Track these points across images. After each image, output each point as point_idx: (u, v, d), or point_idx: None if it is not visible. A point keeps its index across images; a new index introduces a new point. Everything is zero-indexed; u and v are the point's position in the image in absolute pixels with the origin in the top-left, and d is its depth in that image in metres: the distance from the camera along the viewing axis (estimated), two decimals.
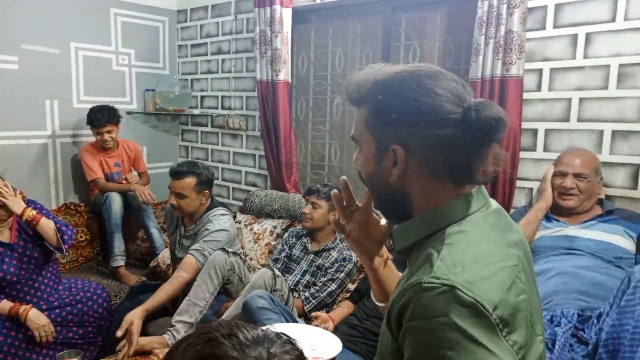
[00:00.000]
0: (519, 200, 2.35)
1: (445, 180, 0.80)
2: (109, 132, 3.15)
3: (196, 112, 3.84)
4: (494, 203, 0.86)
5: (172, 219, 2.55)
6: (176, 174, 2.31)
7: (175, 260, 2.49)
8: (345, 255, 2.40)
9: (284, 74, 3.09)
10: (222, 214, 2.38)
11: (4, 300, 2.13)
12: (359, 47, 3.03)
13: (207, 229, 2.31)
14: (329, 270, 2.38)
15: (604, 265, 1.85)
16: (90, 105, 3.27)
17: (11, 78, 3.07)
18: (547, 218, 2.08)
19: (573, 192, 2.00)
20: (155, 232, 3.18)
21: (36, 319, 2.11)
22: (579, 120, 2.14)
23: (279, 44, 3.04)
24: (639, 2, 1.96)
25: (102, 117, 3.10)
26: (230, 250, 2.27)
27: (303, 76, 3.33)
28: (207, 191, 2.38)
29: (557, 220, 2.07)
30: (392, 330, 0.76)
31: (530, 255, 0.87)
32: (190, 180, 2.30)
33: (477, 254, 0.74)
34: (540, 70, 2.23)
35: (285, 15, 3.05)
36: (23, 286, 2.21)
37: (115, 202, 3.05)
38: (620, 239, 1.91)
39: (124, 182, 3.26)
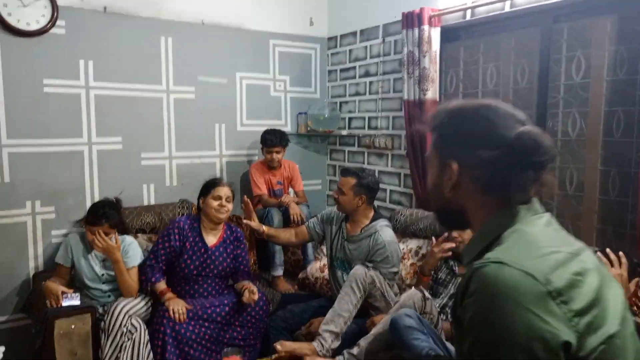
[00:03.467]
0: None
1: (492, 196, 0.90)
2: (277, 152, 3.48)
3: (344, 132, 4.00)
4: (547, 214, 0.92)
5: (335, 222, 2.72)
6: (343, 171, 2.65)
7: (334, 264, 2.67)
8: None
9: (432, 93, 3.07)
10: (387, 225, 2.59)
11: (163, 282, 2.58)
12: (513, 61, 2.89)
13: (380, 249, 2.48)
14: None
15: None
16: (251, 129, 3.64)
17: (189, 106, 3.54)
18: None
19: None
20: (309, 245, 3.38)
21: (175, 303, 2.47)
22: None
23: (427, 63, 3.04)
24: None
25: (274, 139, 3.46)
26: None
27: (452, 94, 3.27)
28: (364, 195, 2.53)
29: None
30: (457, 319, 0.84)
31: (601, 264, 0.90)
32: (351, 180, 2.54)
33: (529, 242, 0.83)
34: None
35: (434, 35, 3.05)
36: (196, 283, 2.59)
37: (276, 216, 3.31)
38: None
39: (284, 198, 3.51)
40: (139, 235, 3.15)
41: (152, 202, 3.45)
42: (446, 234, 2.42)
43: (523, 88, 2.84)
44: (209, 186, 2.68)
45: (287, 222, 3.35)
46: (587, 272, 0.80)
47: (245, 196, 2.86)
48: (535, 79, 2.74)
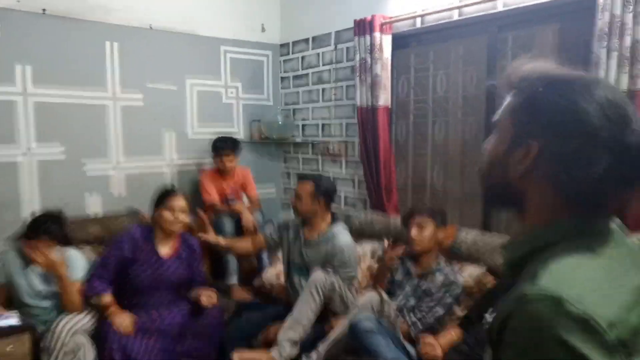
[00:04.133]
0: None
1: (567, 198, 0.71)
2: (229, 159, 3.42)
3: (298, 139, 3.98)
4: (623, 236, 0.74)
5: (292, 226, 2.69)
6: (301, 177, 2.68)
7: (292, 270, 2.63)
8: (452, 279, 2.31)
9: (384, 99, 3.12)
10: (344, 229, 2.59)
11: (108, 294, 2.44)
12: (461, 69, 2.98)
13: (338, 254, 2.46)
14: (435, 295, 2.30)
15: None
16: (203, 136, 3.56)
17: (137, 113, 3.42)
18: None
19: None
20: (264, 255, 3.33)
21: (118, 316, 2.37)
22: None
23: (379, 70, 3.08)
24: None
25: (225, 145, 3.42)
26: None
27: (403, 100, 3.33)
28: (322, 200, 2.53)
29: None
30: (493, 347, 0.70)
31: None
32: (308, 186, 2.53)
33: (592, 271, 0.66)
34: None
35: (385, 42, 3.10)
36: (148, 295, 2.47)
37: (228, 225, 3.23)
38: None
39: (236, 206, 3.45)
40: (84, 247, 2.98)
41: (98, 212, 3.29)
42: (390, 242, 2.46)
43: (472, 95, 2.93)
44: (163, 197, 2.58)
45: (239, 230, 3.28)
46: None
47: (199, 210, 2.77)
48: (483, 86, 2.84)
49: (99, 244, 3.06)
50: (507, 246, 0.80)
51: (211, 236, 2.66)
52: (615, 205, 0.71)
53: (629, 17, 2.00)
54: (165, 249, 2.58)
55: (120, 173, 3.39)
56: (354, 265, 2.49)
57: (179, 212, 2.54)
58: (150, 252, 2.54)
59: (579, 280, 0.64)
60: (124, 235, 2.55)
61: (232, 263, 3.27)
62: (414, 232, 2.38)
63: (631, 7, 1.99)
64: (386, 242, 2.55)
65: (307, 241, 2.59)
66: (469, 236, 2.59)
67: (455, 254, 2.57)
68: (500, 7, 2.62)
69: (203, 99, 3.72)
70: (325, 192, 2.55)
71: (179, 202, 2.56)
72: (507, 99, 0.79)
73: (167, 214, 2.52)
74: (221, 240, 2.69)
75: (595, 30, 2.10)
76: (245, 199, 3.63)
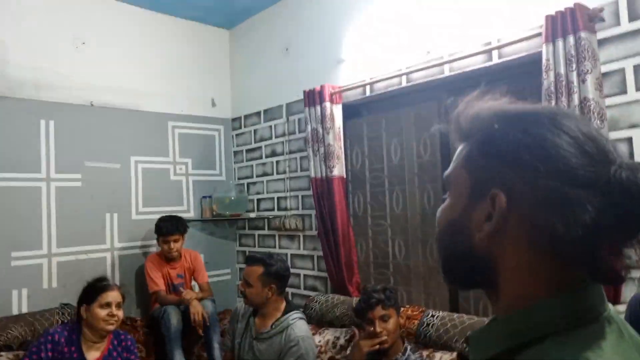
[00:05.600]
0: (628, 292, 1.92)
1: (548, 256, 0.54)
2: (175, 240, 3.14)
3: (253, 215, 3.75)
4: (610, 306, 0.57)
5: (242, 318, 2.38)
6: (248, 259, 2.35)
7: None
8: None
9: (339, 170, 2.97)
10: (300, 318, 2.28)
11: None
12: (415, 135, 2.88)
13: (294, 347, 2.15)
14: None
15: None
16: (148, 217, 3.29)
17: (74, 195, 3.15)
18: None
19: None
20: (217, 346, 2.97)
21: None
22: None
23: (331, 140, 2.96)
24: None
25: (170, 226, 3.12)
26: None
27: (358, 170, 3.18)
28: (273, 285, 2.23)
29: None
30: None
31: None
32: (257, 269, 2.24)
33: None
34: (629, 139, 1.93)
35: (336, 112, 3.00)
36: None
37: (174, 317, 2.90)
38: None
39: (184, 294, 3.09)
40: (3, 354, 2.58)
41: (24, 309, 2.91)
42: (371, 329, 2.12)
43: (427, 161, 2.80)
44: (94, 291, 2.26)
45: (187, 322, 2.94)
46: None
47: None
48: (438, 152, 2.73)
49: (22, 348, 2.67)
50: (474, 342, 0.60)
51: None
52: (605, 264, 0.52)
53: (574, 76, 1.93)
54: (93, 353, 2.23)
55: (52, 262, 3.05)
56: (311, 358, 2.19)
57: (114, 308, 2.22)
58: (76, 357, 2.18)
59: None
60: (44, 339, 2.20)
61: (179, 358, 2.89)
62: (379, 326, 2.06)
63: (574, 66, 1.93)
64: (355, 331, 2.25)
65: (259, 333, 2.28)
66: (437, 318, 2.33)
67: (423, 339, 2.31)
68: (447, 72, 2.56)
69: (149, 177, 3.50)
70: (277, 275, 2.27)
71: (114, 295, 2.25)
72: (459, 149, 0.65)
73: (99, 312, 2.20)
74: None
75: (542, 89, 2.03)
76: (195, 285, 3.31)
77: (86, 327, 2.23)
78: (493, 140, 0.59)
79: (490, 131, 0.59)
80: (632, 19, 1.92)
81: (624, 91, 1.95)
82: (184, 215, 3.60)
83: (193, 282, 3.33)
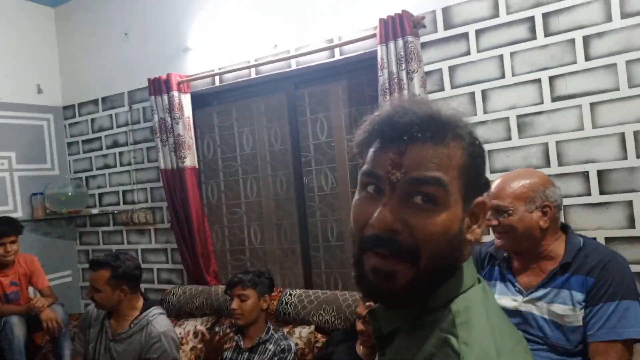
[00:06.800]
0: None
1: None
2: (12, 242, 2.79)
3: (94, 211, 3.48)
4: None
5: (95, 322, 2.23)
6: (92, 264, 2.17)
7: None
8: (283, 346, 2.18)
9: (190, 160, 2.93)
10: (161, 313, 2.22)
11: None
12: (265, 124, 2.98)
13: (156, 343, 2.08)
14: None
15: None
16: None
17: None
18: (506, 280, 1.55)
19: (497, 230, 1.51)
20: (68, 353, 2.72)
21: None
22: (491, 171, 2.22)
23: (181, 130, 2.90)
24: (522, 59, 2.13)
25: (4, 228, 2.75)
26: None
27: (211, 160, 3.19)
28: (124, 286, 2.13)
29: (514, 285, 1.53)
30: None
31: None
32: (104, 273, 2.10)
33: (496, 334, 0.59)
34: None
35: (185, 101, 2.95)
36: None
37: (18, 327, 2.60)
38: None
39: (35, 302, 2.75)
40: None
41: None
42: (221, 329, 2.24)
43: (278, 150, 2.94)
44: None
45: (36, 330, 2.66)
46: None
47: None
48: (288, 140, 2.88)
49: None
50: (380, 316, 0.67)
51: None
52: None
53: (404, 74, 2.22)
54: None
55: None
56: (175, 354, 2.17)
57: None
58: None
59: (496, 349, 0.57)
60: None
61: None
62: (235, 304, 2.20)
63: (403, 66, 2.23)
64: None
65: (117, 335, 2.18)
66: (294, 297, 2.51)
67: (283, 317, 2.47)
68: (294, 66, 2.70)
69: None
70: (126, 276, 2.16)
71: None
72: (438, 152, 0.61)
73: None
74: None
75: (378, 85, 2.29)
76: (33, 292, 2.98)
77: None
78: (475, 150, 0.63)
79: (472, 140, 0.63)
80: (447, 27, 2.28)
81: (442, 88, 2.31)
82: (11, 216, 3.19)
83: (30, 288, 2.99)
